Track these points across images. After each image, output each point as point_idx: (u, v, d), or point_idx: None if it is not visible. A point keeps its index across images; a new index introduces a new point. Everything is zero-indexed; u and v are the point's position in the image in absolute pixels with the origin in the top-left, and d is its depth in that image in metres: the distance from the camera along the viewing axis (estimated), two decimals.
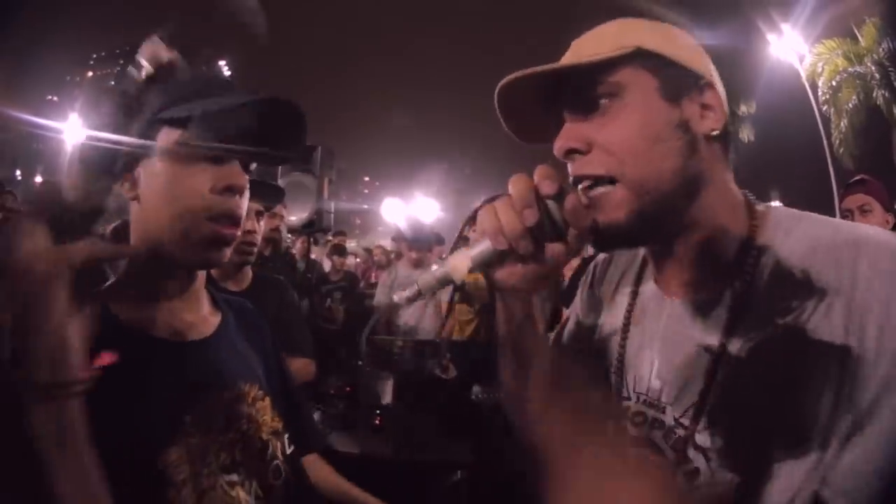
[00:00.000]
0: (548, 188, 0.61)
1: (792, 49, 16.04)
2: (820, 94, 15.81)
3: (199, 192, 0.71)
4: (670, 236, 0.72)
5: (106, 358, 0.60)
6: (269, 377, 0.88)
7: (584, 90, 0.69)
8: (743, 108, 19.16)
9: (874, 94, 15.02)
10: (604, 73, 0.68)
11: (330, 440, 2.38)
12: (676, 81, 0.69)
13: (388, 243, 7.43)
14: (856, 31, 15.45)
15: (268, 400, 0.84)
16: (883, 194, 2.13)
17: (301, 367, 2.27)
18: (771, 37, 16.36)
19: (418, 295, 0.63)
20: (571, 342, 0.93)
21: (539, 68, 0.68)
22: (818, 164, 15.36)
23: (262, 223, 2.05)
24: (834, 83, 15.59)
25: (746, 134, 19.40)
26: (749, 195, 0.77)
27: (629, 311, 0.82)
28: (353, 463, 2.27)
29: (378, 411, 2.54)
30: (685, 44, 0.73)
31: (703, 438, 0.68)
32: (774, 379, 0.63)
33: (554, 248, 0.63)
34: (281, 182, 2.77)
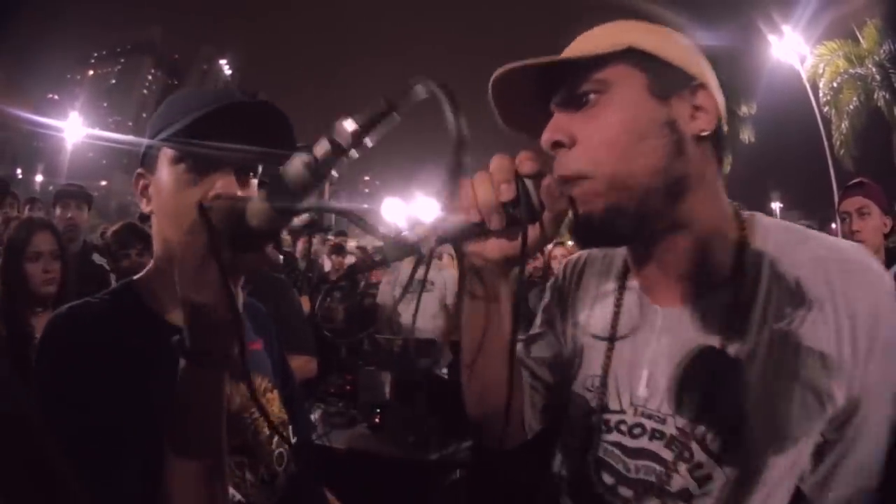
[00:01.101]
0: (527, 168, 0.63)
1: (793, 50, 16.03)
2: (821, 95, 15.79)
3: (190, 203, 0.71)
4: (655, 237, 0.72)
5: (256, 344, 0.76)
6: (275, 372, 0.94)
7: (574, 85, 0.69)
8: (744, 109, 19.15)
9: (875, 96, 15.00)
10: (594, 70, 0.68)
11: (330, 438, 2.39)
12: (667, 80, 0.69)
13: None
14: (857, 33, 15.45)
15: (276, 392, 0.91)
16: (881, 197, 2.15)
17: (302, 364, 2.29)
18: (772, 38, 16.35)
19: (384, 261, 0.62)
20: (540, 346, 0.91)
21: (532, 61, 0.68)
22: (819, 166, 15.37)
23: None
24: (835, 84, 15.57)
25: (747, 135, 19.39)
26: (733, 202, 0.76)
27: (615, 321, 0.80)
28: (353, 461, 2.28)
29: (378, 410, 2.54)
30: (682, 45, 0.73)
31: (714, 444, 0.70)
32: (772, 384, 0.67)
33: (529, 231, 0.63)
34: None
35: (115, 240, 2.71)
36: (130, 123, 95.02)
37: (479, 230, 0.64)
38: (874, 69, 14.98)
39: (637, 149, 0.66)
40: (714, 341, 0.70)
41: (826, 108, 15.69)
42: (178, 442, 0.62)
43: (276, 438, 0.86)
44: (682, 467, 0.71)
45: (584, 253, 0.93)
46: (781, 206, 30.58)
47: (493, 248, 0.67)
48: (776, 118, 19.69)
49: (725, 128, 0.72)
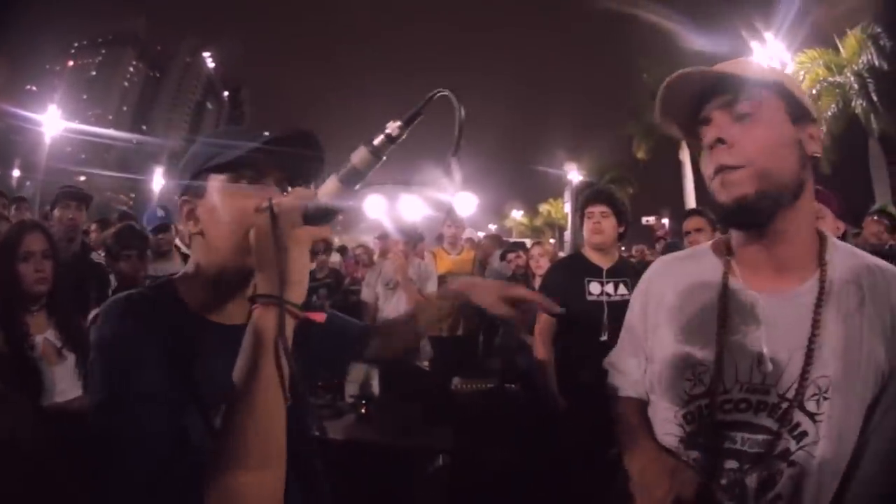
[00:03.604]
0: None
1: (775, 57, 16.35)
2: None
3: (248, 213, 0.85)
4: (775, 227, 0.93)
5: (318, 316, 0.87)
6: None
7: (735, 101, 0.92)
8: None
9: (853, 104, 15.37)
10: (752, 91, 0.92)
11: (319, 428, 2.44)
12: (798, 112, 0.93)
13: (370, 240, 7.46)
14: (837, 43, 15.82)
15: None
16: (833, 203, 2.32)
17: None
18: (755, 44, 16.65)
19: None
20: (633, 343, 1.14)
21: (708, 69, 0.93)
22: None
23: None
24: (814, 91, 15.92)
25: None
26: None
27: (723, 312, 0.97)
28: (342, 449, 2.34)
29: (364, 401, 2.60)
30: (804, 91, 0.97)
31: (811, 405, 0.88)
32: (852, 354, 0.87)
33: None
34: None
35: (117, 241, 2.71)
36: (111, 117, 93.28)
37: None
38: (853, 78, 15.36)
39: (778, 153, 0.90)
40: (806, 324, 0.90)
41: None
42: (248, 391, 0.71)
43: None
44: (784, 430, 0.89)
45: (658, 261, 1.17)
46: None
47: None
48: None
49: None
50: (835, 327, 0.89)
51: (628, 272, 2.78)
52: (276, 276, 0.74)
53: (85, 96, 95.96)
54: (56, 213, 3.19)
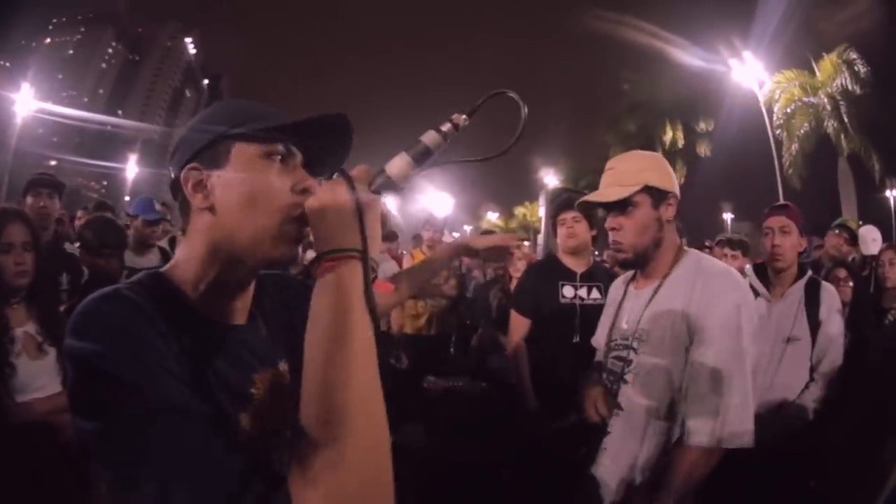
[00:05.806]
0: None
1: (752, 75, 16.78)
2: (775, 119, 16.60)
3: (281, 193, 0.77)
4: (647, 262, 1.61)
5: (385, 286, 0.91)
6: (291, 357, 0.90)
7: (620, 204, 1.56)
8: (702, 126, 19.95)
9: (825, 124, 15.87)
10: (629, 197, 1.54)
11: None
12: (660, 197, 1.57)
13: None
14: (814, 65, 16.30)
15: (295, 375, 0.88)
16: (800, 219, 2.51)
17: None
18: (734, 62, 17.05)
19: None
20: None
21: (595, 198, 1.63)
22: (768, 183, 16.12)
23: None
24: (788, 110, 16.40)
25: (704, 149, 20.23)
26: (684, 241, 1.71)
27: (622, 299, 1.73)
28: None
29: None
30: (668, 173, 1.60)
31: (635, 344, 1.56)
32: (660, 320, 1.52)
33: None
34: None
35: (95, 236, 2.54)
36: (86, 99, 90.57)
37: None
38: (826, 100, 15.84)
39: (645, 232, 1.57)
40: (645, 301, 1.59)
41: (778, 131, 16.51)
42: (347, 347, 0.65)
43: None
44: (626, 360, 1.57)
45: (621, 276, 1.88)
46: (733, 217, 32.00)
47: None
48: (732, 136, 20.58)
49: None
50: (657, 305, 1.55)
51: (601, 277, 2.85)
52: (355, 231, 0.68)
53: (60, 76, 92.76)
54: (28, 200, 3.07)
